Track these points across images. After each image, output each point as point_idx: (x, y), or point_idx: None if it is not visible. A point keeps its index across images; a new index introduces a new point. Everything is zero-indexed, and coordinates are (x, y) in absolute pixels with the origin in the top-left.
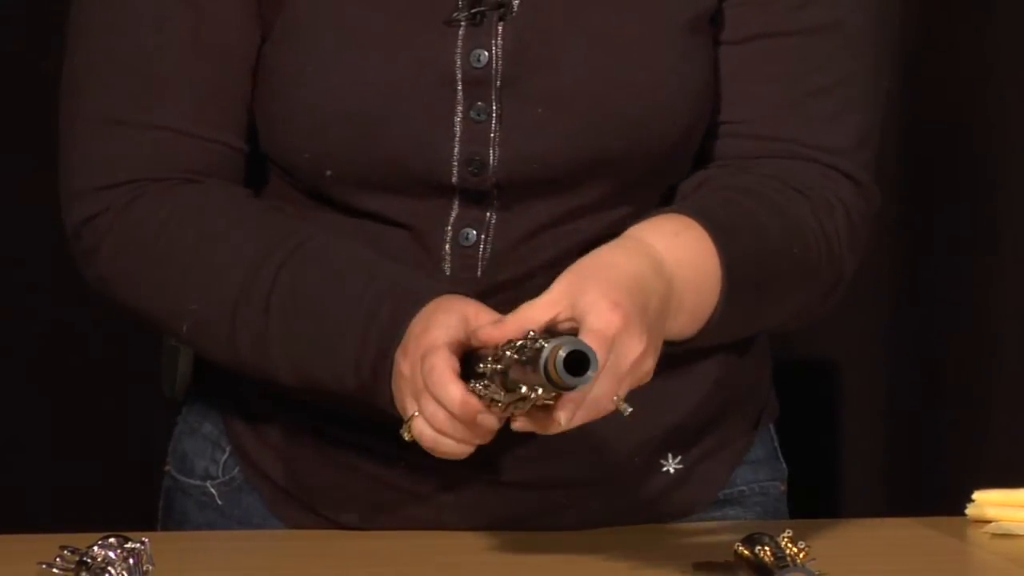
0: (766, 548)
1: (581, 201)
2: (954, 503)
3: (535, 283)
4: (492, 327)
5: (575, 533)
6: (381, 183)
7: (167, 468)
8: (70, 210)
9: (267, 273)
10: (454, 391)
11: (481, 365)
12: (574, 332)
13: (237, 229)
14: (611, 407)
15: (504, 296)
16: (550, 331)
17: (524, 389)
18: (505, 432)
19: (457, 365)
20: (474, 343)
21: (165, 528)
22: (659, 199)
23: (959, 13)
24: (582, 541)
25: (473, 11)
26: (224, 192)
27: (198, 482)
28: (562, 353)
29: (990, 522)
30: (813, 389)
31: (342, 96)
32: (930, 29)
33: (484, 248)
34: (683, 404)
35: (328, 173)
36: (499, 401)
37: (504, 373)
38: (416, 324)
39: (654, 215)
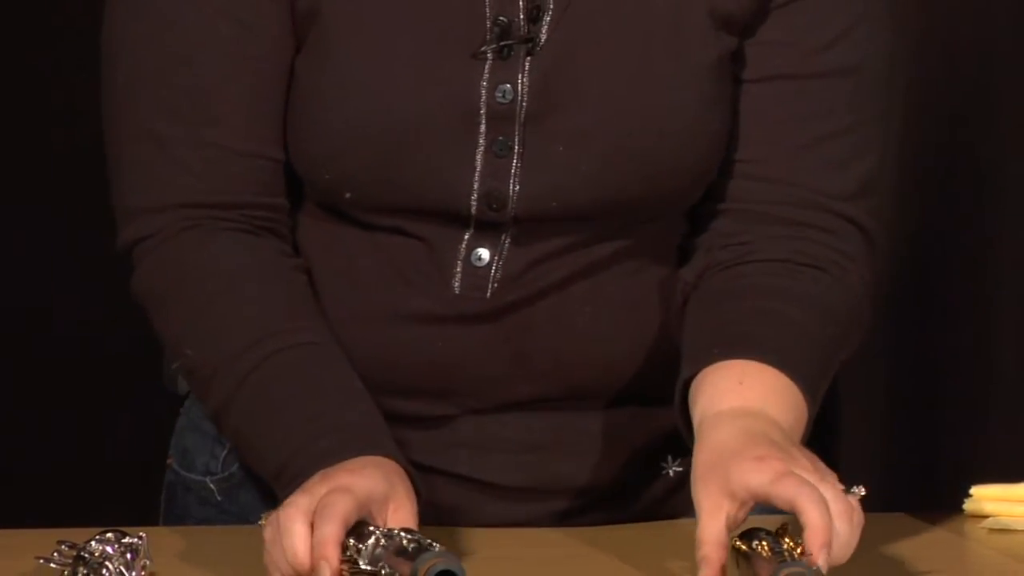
0: (763, 543)
1: (594, 231)
2: (952, 499)
3: (543, 305)
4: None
5: (574, 530)
6: (398, 208)
7: (169, 462)
8: (123, 228)
9: (257, 355)
10: (328, 531)
11: (371, 528)
12: (771, 533)
13: (256, 301)
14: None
15: (511, 317)
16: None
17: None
18: (505, 436)
19: (345, 525)
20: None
21: (167, 522)
22: (673, 229)
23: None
24: (581, 537)
25: (501, 44)
26: (265, 256)
27: (199, 477)
28: (434, 569)
29: (987, 517)
30: None
31: (365, 120)
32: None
33: (495, 270)
34: None
35: (347, 195)
36: (359, 567)
37: (385, 549)
38: (351, 463)
39: (708, 367)
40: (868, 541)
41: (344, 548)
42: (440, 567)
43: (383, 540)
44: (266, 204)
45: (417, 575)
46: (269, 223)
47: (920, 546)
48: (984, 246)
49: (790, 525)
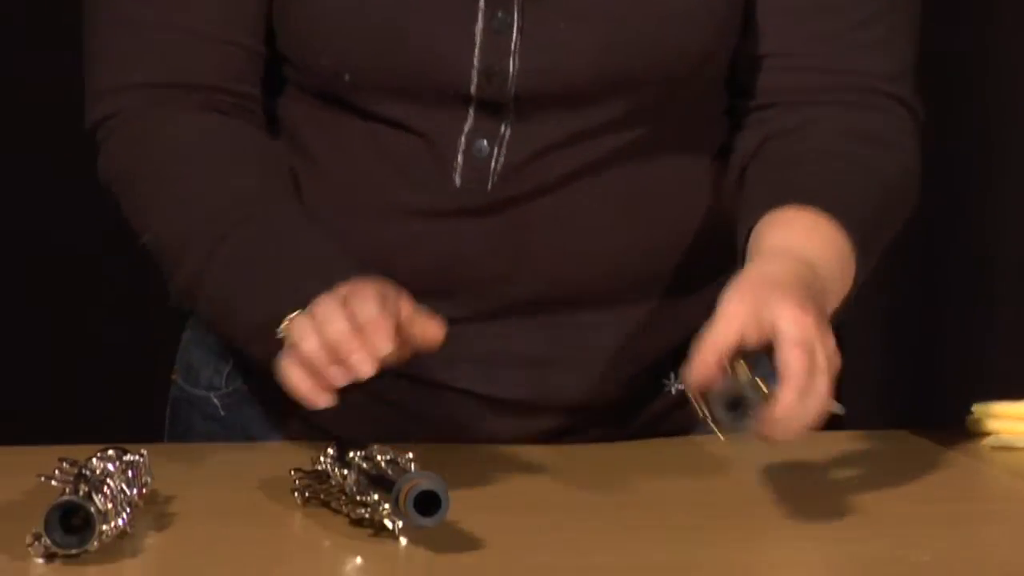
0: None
1: (596, 120)
2: (954, 416)
3: (544, 200)
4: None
5: (566, 448)
6: (399, 90)
7: (174, 377)
8: (89, 109)
9: (228, 221)
10: (369, 309)
11: (352, 453)
12: (763, 349)
13: (222, 169)
14: (830, 407)
15: (512, 211)
16: (401, 470)
17: (375, 497)
18: (507, 349)
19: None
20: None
21: (171, 437)
22: (676, 124)
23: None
24: (572, 457)
25: None
26: (233, 126)
27: (203, 392)
28: (415, 491)
29: (989, 434)
30: None
31: (363, 3)
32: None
33: (496, 162)
34: (688, 326)
35: (346, 78)
36: (345, 494)
37: (368, 475)
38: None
39: (768, 214)
40: (870, 457)
41: (328, 477)
42: (422, 487)
43: (365, 465)
44: (234, 91)
45: (399, 498)
46: (237, 109)
47: (921, 463)
48: (987, 168)
49: (792, 444)
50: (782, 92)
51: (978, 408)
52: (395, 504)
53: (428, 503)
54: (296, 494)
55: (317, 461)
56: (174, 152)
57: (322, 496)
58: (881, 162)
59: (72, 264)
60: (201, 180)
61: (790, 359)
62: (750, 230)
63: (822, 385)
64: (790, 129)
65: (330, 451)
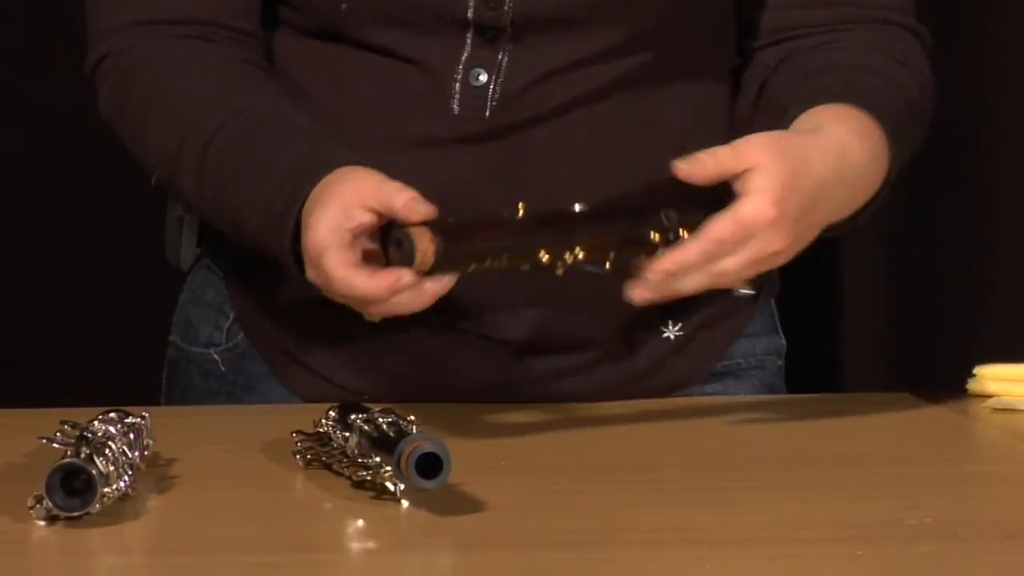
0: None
1: (594, 47)
2: (955, 378)
3: (542, 129)
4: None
5: (575, 406)
6: (396, 17)
7: (172, 338)
8: (87, 53)
9: (206, 132)
10: (359, 283)
11: (353, 416)
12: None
13: (215, 76)
14: (732, 283)
15: (510, 139)
16: (402, 433)
17: (376, 459)
18: (507, 292)
19: (350, 256)
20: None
21: (168, 399)
22: (675, 55)
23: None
24: (574, 414)
25: None
26: (227, 50)
27: (202, 350)
28: (416, 454)
29: (991, 396)
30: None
31: None
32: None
33: (494, 89)
34: None
35: (344, 6)
36: (347, 457)
37: (370, 438)
38: (307, 213)
39: (797, 111)
40: (871, 419)
41: (330, 439)
42: (424, 450)
43: (366, 427)
44: (231, 26)
45: (400, 460)
46: (233, 42)
47: (923, 425)
48: (986, 116)
49: (792, 404)
50: (797, 26)
51: (980, 370)
52: (396, 467)
53: (430, 465)
54: (298, 456)
55: (319, 424)
56: (161, 73)
57: (324, 459)
58: (904, 77)
59: (71, 229)
60: (192, 85)
61: (719, 226)
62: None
63: (738, 261)
64: (814, 45)
65: (332, 413)
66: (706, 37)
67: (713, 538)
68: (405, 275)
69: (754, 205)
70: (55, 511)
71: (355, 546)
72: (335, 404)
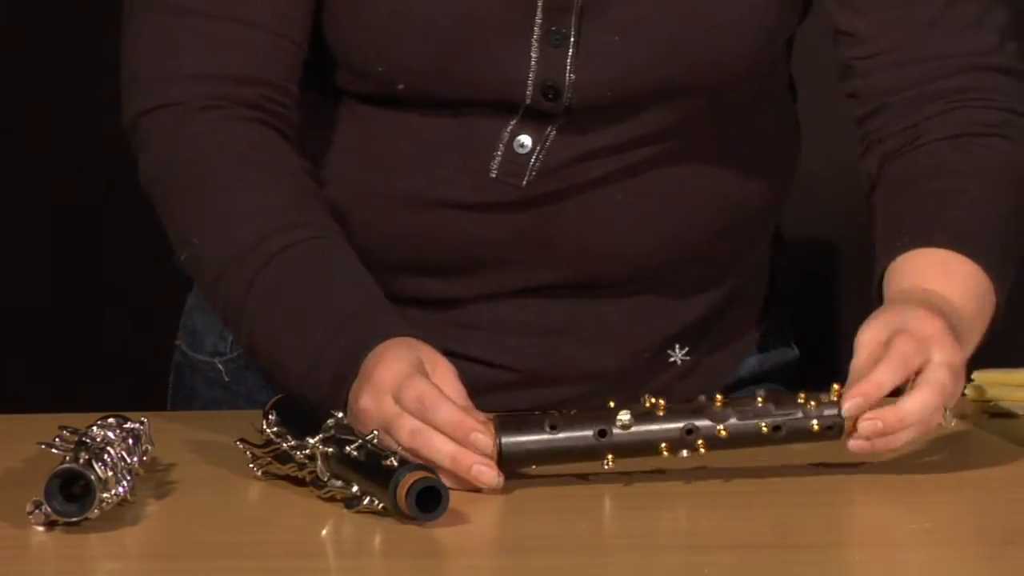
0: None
1: (643, 129)
2: None
3: (577, 198)
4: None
5: None
6: (453, 99)
7: (178, 343)
8: (129, 98)
9: (265, 251)
10: (448, 414)
11: (310, 439)
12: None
13: (267, 193)
14: (940, 420)
15: (544, 207)
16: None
17: (353, 490)
18: (519, 319)
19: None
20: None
21: (174, 403)
22: (719, 129)
23: None
24: None
25: None
26: (278, 149)
27: (207, 358)
28: (416, 488)
29: (989, 402)
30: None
31: (420, 12)
32: None
33: (536, 159)
34: (699, 306)
35: (400, 87)
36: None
37: (340, 461)
38: (370, 359)
39: (901, 255)
40: None
41: (289, 457)
42: (424, 485)
43: (331, 449)
44: (281, 87)
45: (397, 494)
46: (281, 110)
47: None
48: None
49: None
50: (884, 92)
51: (978, 375)
52: (393, 498)
53: (429, 498)
54: (253, 467)
55: (263, 431)
56: (217, 167)
57: (289, 473)
58: (1005, 158)
59: (74, 231)
60: (241, 201)
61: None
62: (885, 269)
63: (933, 400)
64: (903, 149)
65: (271, 417)
66: (753, 106)
67: (711, 543)
68: (486, 438)
69: (921, 323)
70: (54, 516)
71: (353, 553)
72: (271, 405)
